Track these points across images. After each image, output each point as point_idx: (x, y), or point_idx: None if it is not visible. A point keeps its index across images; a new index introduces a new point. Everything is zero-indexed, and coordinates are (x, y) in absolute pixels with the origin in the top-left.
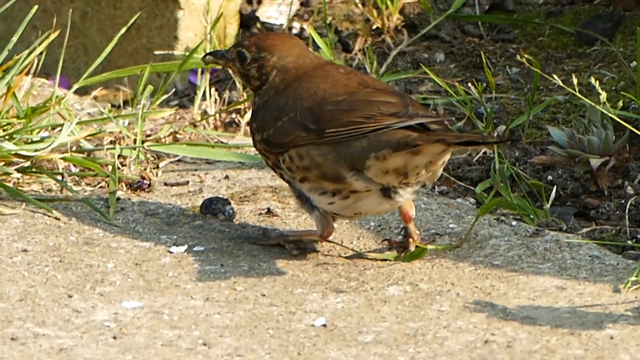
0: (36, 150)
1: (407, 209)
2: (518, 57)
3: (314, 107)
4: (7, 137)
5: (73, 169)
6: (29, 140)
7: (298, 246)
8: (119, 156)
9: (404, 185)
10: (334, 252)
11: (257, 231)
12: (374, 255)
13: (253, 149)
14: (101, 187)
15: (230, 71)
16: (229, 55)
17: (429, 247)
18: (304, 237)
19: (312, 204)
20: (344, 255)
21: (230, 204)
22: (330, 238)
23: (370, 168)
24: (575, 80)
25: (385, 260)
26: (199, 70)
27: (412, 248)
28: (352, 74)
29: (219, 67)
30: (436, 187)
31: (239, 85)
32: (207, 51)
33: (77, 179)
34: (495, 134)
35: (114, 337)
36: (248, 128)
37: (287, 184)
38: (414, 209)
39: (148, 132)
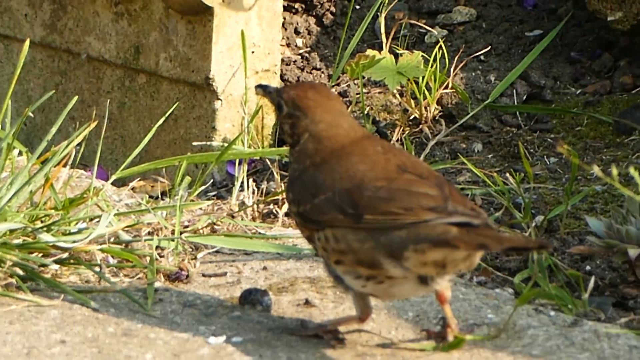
0: (74, 242)
1: (443, 290)
2: (558, 147)
3: (352, 190)
4: (45, 228)
5: (111, 260)
6: (67, 232)
7: (336, 337)
8: (157, 247)
9: (442, 274)
10: (372, 342)
11: (295, 322)
12: (412, 346)
13: (291, 240)
14: (139, 278)
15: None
16: (273, 97)
17: (468, 337)
18: (343, 324)
19: (346, 285)
20: (382, 345)
21: (268, 294)
22: (369, 328)
23: (408, 259)
24: (614, 171)
25: (423, 350)
26: (237, 161)
27: (451, 338)
28: (390, 154)
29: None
30: (474, 277)
31: (276, 176)
32: (259, 84)
33: (115, 270)
34: (533, 232)
35: None
36: (286, 219)
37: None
38: (450, 290)
39: (186, 223)
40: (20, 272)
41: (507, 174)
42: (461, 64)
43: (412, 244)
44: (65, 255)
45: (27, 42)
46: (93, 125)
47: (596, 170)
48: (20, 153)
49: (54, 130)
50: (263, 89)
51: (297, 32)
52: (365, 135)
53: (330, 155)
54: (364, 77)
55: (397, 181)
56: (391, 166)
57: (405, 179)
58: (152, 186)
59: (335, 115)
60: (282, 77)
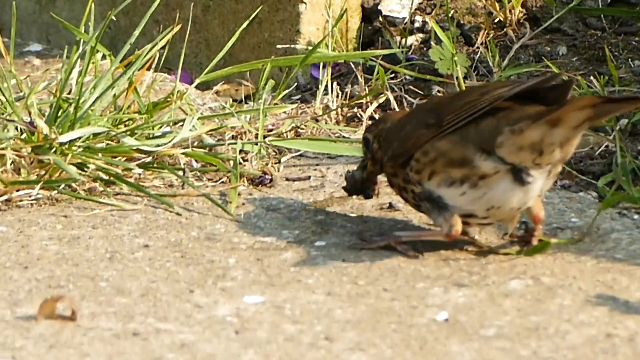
0: (157, 146)
1: (537, 211)
2: None
3: (431, 109)
4: (128, 132)
5: (194, 164)
6: (151, 136)
7: (415, 247)
8: (240, 151)
9: (537, 165)
10: (455, 247)
11: (374, 229)
12: (496, 250)
13: None
14: (223, 182)
15: (371, 173)
16: (365, 161)
17: (552, 241)
18: (424, 237)
19: (443, 203)
20: (465, 249)
21: None
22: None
23: (502, 144)
24: None
25: (507, 254)
26: (321, 64)
27: (535, 242)
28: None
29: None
30: (558, 181)
31: (360, 80)
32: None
33: (198, 174)
34: (617, 136)
35: (236, 332)
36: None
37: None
38: (543, 210)
39: (270, 127)
40: (104, 176)
41: (592, 77)
42: None
43: (508, 125)
44: (149, 159)
45: None
46: (177, 28)
47: None
48: (103, 57)
49: (137, 33)
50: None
51: None
52: None
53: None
54: None
55: (469, 89)
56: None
57: (475, 86)
58: (236, 90)
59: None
60: None
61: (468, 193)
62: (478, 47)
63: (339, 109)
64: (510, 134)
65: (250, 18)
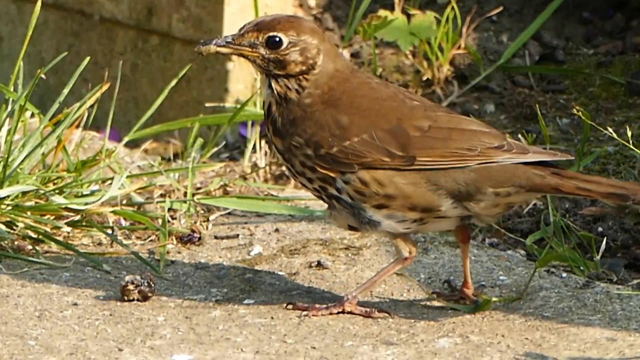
0: (86, 204)
1: (465, 228)
2: (574, 110)
3: (394, 131)
4: (57, 190)
5: (123, 223)
6: (79, 194)
7: (373, 312)
8: (169, 209)
9: (497, 215)
10: (384, 304)
11: (302, 287)
12: (446, 304)
13: (303, 202)
14: (151, 240)
15: (230, 57)
16: (244, 41)
17: (493, 299)
18: (384, 276)
19: (376, 222)
20: (395, 306)
21: None
22: (380, 290)
23: (480, 202)
24: (629, 132)
25: (454, 309)
26: (249, 123)
27: (470, 295)
28: (391, 86)
29: (222, 53)
30: (486, 239)
31: None
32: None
33: (127, 232)
34: None
35: None
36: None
37: (325, 203)
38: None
39: (198, 185)
40: (33, 235)
41: (520, 135)
42: (473, 25)
43: (491, 187)
44: (78, 217)
45: (39, 3)
46: (106, 87)
47: (610, 130)
48: (32, 115)
49: (66, 91)
50: (218, 45)
51: None
52: (353, 67)
53: (339, 88)
54: (376, 38)
55: (440, 120)
56: (407, 100)
57: (449, 118)
58: (165, 148)
59: (326, 36)
60: None
61: (412, 228)
62: None
63: (267, 167)
64: (494, 196)
65: (179, 76)
